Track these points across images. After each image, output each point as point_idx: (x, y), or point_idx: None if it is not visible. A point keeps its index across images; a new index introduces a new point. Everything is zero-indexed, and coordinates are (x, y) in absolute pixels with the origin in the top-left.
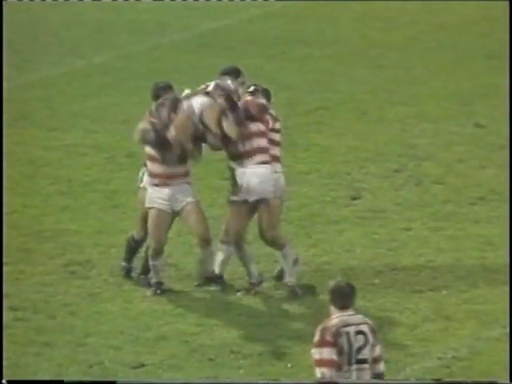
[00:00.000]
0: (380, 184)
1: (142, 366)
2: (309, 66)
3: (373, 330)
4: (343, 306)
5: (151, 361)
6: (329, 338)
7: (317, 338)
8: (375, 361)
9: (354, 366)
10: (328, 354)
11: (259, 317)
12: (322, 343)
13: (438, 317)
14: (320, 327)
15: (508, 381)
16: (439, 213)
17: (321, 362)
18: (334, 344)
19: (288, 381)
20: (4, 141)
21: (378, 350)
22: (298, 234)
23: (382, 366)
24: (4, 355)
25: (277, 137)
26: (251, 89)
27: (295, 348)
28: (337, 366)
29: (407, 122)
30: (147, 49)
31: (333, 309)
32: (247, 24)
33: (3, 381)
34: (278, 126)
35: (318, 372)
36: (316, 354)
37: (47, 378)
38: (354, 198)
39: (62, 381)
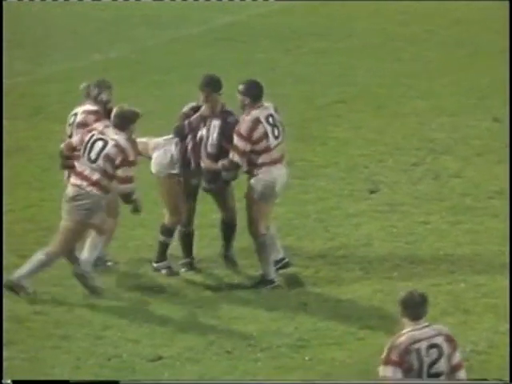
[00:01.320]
0: (398, 177)
1: (160, 358)
2: (326, 60)
3: (449, 339)
4: (416, 317)
5: (169, 353)
6: (394, 357)
7: (384, 354)
8: (454, 369)
9: (427, 382)
10: (392, 372)
11: (277, 310)
12: (387, 361)
13: (457, 310)
14: (389, 344)
15: (508, 381)
16: (457, 206)
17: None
18: (400, 363)
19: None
20: (21, 135)
21: (456, 358)
22: (315, 228)
23: (462, 374)
24: (22, 348)
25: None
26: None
27: (313, 341)
28: None
29: (425, 115)
30: (164, 42)
31: (405, 321)
32: (264, 18)
33: (8, 380)
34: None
35: None
36: (381, 371)
37: (66, 371)
38: (372, 192)
39: (68, 381)
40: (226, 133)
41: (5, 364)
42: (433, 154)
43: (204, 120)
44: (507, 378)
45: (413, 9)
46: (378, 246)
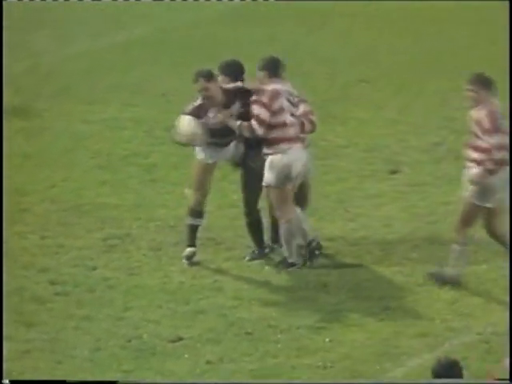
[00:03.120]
0: (419, 157)
1: (180, 339)
2: (349, 39)
3: None
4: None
5: (189, 335)
6: None
7: None
8: None
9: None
10: None
11: (297, 291)
12: None
13: (478, 292)
14: None
15: (508, 381)
16: None
17: None
18: None
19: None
20: (44, 115)
21: None
22: (335, 208)
23: None
24: (43, 330)
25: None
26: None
27: (333, 323)
28: None
29: (447, 95)
30: (187, 21)
31: None
32: None
33: (6, 381)
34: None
35: None
36: None
37: (86, 352)
38: (393, 172)
39: (65, 381)
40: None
41: (25, 347)
42: (455, 134)
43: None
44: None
45: None
46: (399, 227)
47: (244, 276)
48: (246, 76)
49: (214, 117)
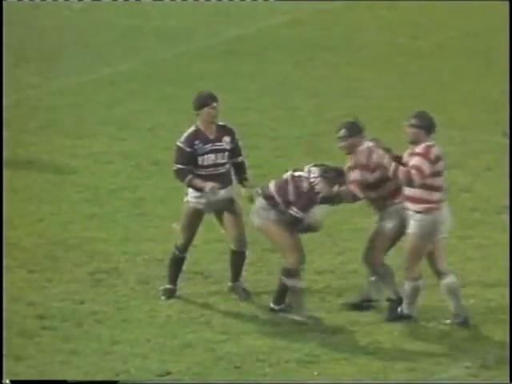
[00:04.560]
0: None
1: (168, 373)
2: (336, 73)
3: None
4: None
5: (177, 369)
6: None
7: None
8: None
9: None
10: None
11: (285, 325)
12: None
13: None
14: None
15: (508, 381)
16: (467, 221)
17: None
18: None
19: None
20: (32, 149)
21: None
22: (324, 242)
23: None
24: (31, 364)
25: None
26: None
27: (322, 356)
28: None
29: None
30: (174, 55)
31: None
32: (274, 30)
33: (7, 381)
34: None
35: None
36: None
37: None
38: None
39: (66, 381)
40: None
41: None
42: None
43: None
44: (506, 381)
45: (422, 21)
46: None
47: (232, 310)
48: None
49: (201, 148)
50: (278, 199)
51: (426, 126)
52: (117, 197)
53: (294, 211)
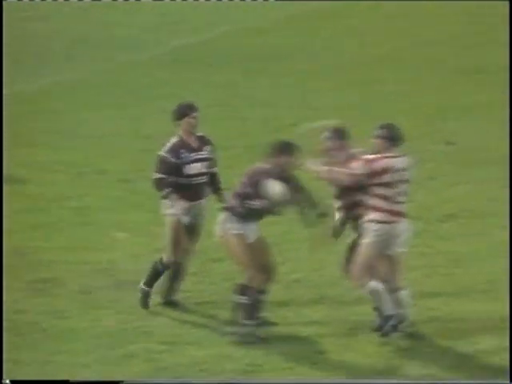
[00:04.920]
0: None
1: None
2: (285, 83)
3: None
4: None
5: (119, 379)
6: None
7: None
8: None
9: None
10: None
11: (229, 335)
12: None
13: (406, 336)
14: None
15: (508, 381)
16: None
17: None
18: None
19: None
20: None
21: None
22: None
23: None
24: None
25: None
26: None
27: (265, 366)
28: None
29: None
30: (122, 64)
31: None
32: (223, 39)
33: (6, 381)
34: None
35: None
36: None
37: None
38: (324, 215)
39: (68, 381)
40: None
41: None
42: None
43: None
44: (506, 381)
45: (369, 31)
46: (331, 271)
47: (174, 320)
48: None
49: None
50: (235, 202)
51: (390, 137)
52: (61, 206)
53: (251, 204)
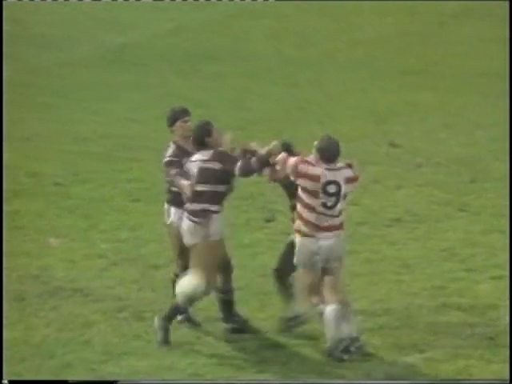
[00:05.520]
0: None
1: None
2: (222, 84)
3: None
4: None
5: None
6: None
7: None
8: None
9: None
10: None
11: (170, 344)
12: None
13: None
14: None
15: (508, 381)
16: (354, 235)
17: None
18: None
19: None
20: None
21: None
22: None
23: None
24: None
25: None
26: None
27: (207, 376)
28: None
29: None
30: (54, 64)
31: None
32: (158, 39)
33: (5, 381)
34: None
35: None
36: None
37: None
38: (268, 221)
39: (67, 381)
40: None
41: None
42: None
43: None
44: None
45: (309, 31)
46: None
47: (113, 329)
48: None
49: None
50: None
51: (322, 150)
52: None
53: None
